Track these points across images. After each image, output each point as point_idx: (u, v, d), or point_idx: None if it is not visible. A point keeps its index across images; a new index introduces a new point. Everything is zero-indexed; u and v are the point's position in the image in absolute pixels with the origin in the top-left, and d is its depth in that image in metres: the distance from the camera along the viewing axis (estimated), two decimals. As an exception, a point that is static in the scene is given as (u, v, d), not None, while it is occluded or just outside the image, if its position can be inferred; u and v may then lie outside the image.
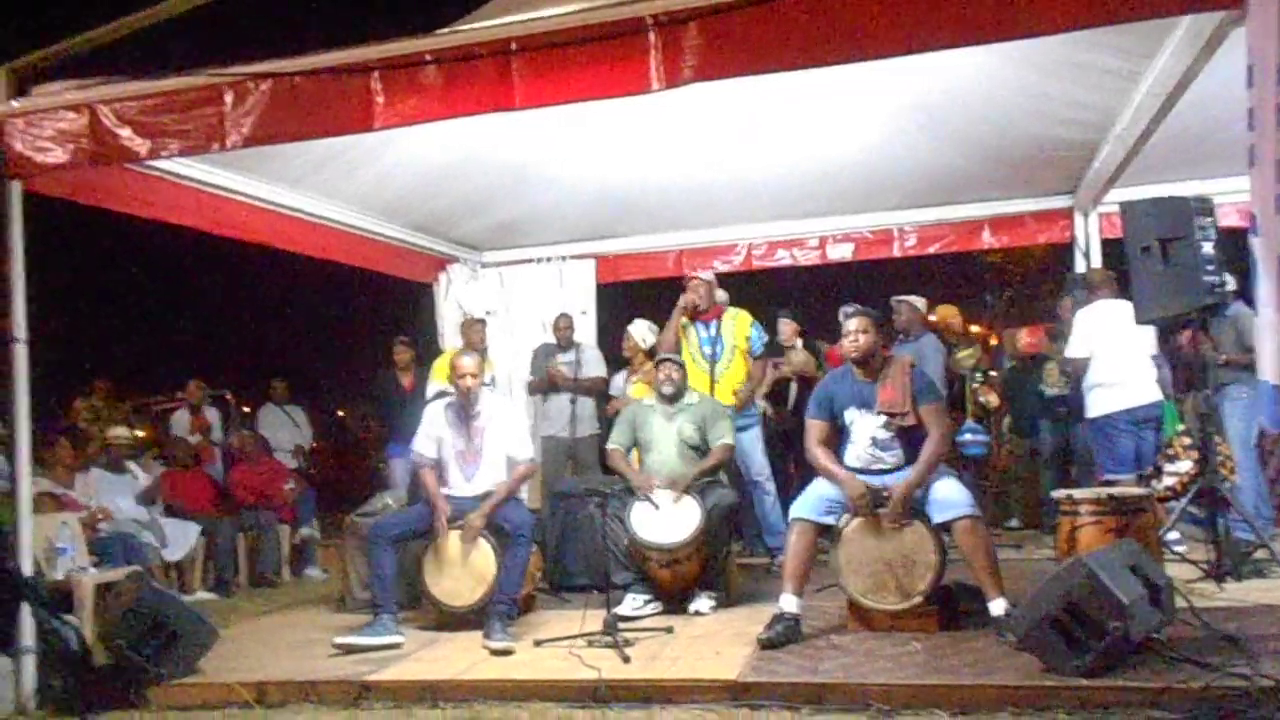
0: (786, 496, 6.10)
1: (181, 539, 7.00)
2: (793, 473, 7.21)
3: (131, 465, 7.14)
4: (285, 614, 6.25)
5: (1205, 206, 5.02)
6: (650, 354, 6.92)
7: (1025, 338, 7.72)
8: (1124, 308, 5.81)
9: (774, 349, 7.17)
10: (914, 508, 4.46)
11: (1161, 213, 5.13)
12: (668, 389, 5.58)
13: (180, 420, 8.85)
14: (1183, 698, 3.27)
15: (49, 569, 5.27)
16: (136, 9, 4.22)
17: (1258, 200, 3.09)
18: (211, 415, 9.09)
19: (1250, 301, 6.16)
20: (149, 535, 6.64)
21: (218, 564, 7.35)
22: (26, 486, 4.43)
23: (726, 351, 6.39)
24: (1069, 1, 3.33)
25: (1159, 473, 5.43)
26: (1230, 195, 6.47)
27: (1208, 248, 4.93)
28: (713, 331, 6.41)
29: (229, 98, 4.10)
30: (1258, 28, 3.08)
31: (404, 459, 6.97)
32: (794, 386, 7.43)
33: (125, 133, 4.22)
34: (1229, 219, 6.44)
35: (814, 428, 4.73)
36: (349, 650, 4.67)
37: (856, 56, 3.61)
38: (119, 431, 7.27)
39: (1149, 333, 5.89)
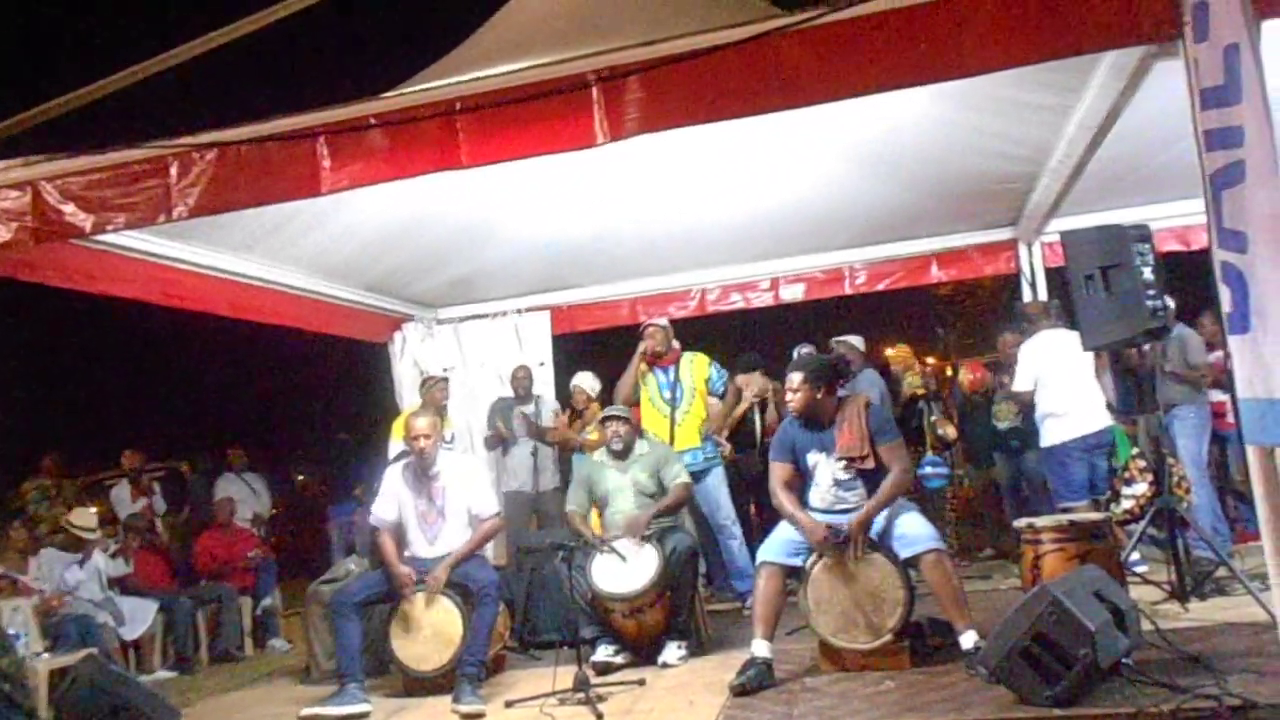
0: (752, 541, 6.10)
1: (139, 617, 6.81)
2: (754, 516, 7.20)
3: (96, 555, 6.88)
4: (249, 689, 6.10)
5: (1142, 233, 5.14)
6: (602, 403, 6.95)
7: (966, 375, 7.83)
8: (1065, 336, 5.93)
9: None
10: (878, 543, 4.48)
11: (1101, 241, 5.24)
12: (616, 445, 5.58)
13: (120, 494, 8.64)
14: (1154, 721, 3.30)
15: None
16: (76, 86, 4.19)
17: (1247, 217, 3.01)
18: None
19: (1190, 322, 6.34)
20: (105, 615, 6.46)
21: (177, 640, 7.15)
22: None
23: (686, 394, 6.43)
24: (994, 42, 3.43)
25: (1117, 496, 5.49)
26: (1165, 221, 6.66)
27: (1147, 273, 5.03)
28: (671, 376, 6.47)
29: (174, 169, 4.08)
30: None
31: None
32: (758, 426, 7.44)
33: (69, 209, 4.17)
34: (1167, 244, 6.64)
35: (777, 470, 4.75)
36: (316, 723, 4.57)
37: (794, 104, 3.68)
38: (86, 521, 7.00)
39: (1090, 358, 6.00)
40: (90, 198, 4.17)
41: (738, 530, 6.37)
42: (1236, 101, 3.03)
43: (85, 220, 4.18)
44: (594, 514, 5.67)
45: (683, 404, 6.40)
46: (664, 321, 6.68)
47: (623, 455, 5.59)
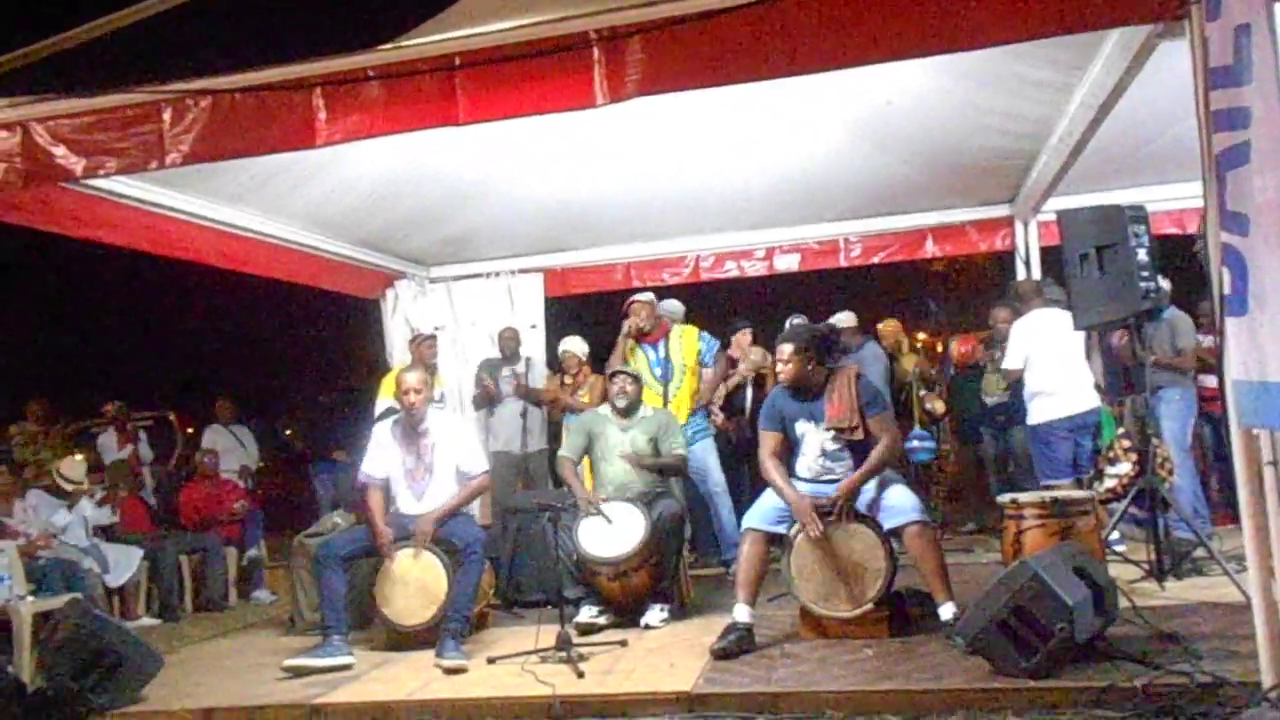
0: (742, 507, 6.13)
1: (124, 563, 6.81)
2: (747, 484, 7.23)
3: (84, 502, 6.90)
4: (233, 638, 6.14)
5: (1139, 215, 5.14)
6: (591, 368, 6.96)
7: (957, 348, 7.85)
8: (1057, 316, 5.94)
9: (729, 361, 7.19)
10: (863, 514, 4.51)
11: (1097, 221, 5.25)
12: (621, 402, 5.58)
13: (107, 442, 8.64)
14: (1126, 696, 3.34)
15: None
16: (71, 26, 4.13)
17: (1250, 200, 2.98)
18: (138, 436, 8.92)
19: (1183, 305, 6.36)
20: (90, 561, 6.47)
21: (162, 588, 7.18)
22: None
23: (677, 371, 6.41)
24: (1002, 16, 3.41)
25: (1100, 475, 5.53)
26: (1162, 203, 6.67)
27: (1142, 254, 5.04)
28: (661, 353, 6.44)
29: (167, 115, 4.04)
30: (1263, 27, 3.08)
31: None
32: (749, 396, 7.45)
33: (60, 151, 4.13)
34: (1162, 227, 6.65)
35: (766, 439, 4.77)
36: (299, 673, 4.61)
37: (797, 70, 3.66)
38: (74, 473, 6.99)
39: (1081, 339, 6.02)
40: (82, 141, 4.12)
41: (727, 499, 6.37)
42: (1245, 82, 3.01)
43: (76, 163, 4.14)
44: (585, 468, 5.68)
45: (674, 380, 6.40)
46: (648, 297, 6.60)
47: (626, 413, 5.59)
